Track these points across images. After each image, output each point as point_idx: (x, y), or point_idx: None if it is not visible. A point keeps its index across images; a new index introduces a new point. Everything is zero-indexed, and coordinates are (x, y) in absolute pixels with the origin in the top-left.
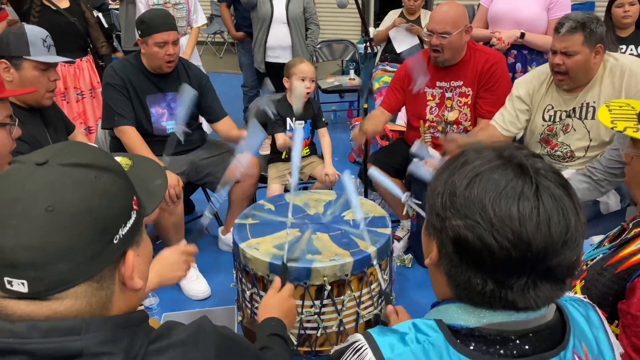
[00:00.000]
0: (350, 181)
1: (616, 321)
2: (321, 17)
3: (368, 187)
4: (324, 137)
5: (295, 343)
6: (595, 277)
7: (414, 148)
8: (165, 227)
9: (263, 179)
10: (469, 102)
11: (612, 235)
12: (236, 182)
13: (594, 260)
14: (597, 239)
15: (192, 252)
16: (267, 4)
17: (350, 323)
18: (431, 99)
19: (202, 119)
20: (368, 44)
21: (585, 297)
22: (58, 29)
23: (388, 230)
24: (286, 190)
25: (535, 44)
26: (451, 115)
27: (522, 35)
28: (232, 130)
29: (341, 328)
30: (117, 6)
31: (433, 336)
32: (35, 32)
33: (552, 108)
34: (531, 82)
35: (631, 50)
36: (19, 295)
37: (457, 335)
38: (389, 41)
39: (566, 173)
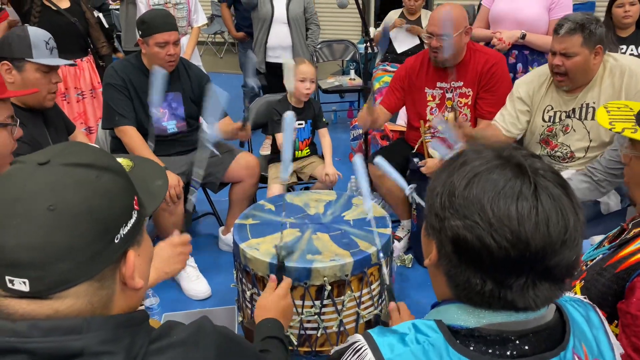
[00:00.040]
0: (361, 165)
1: (616, 321)
2: (321, 17)
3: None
4: (325, 137)
5: (296, 343)
6: (595, 277)
7: (435, 121)
8: (165, 227)
9: (263, 179)
10: (469, 103)
11: (612, 235)
12: (236, 182)
13: (594, 261)
14: (597, 239)
15: (186, 242)
16: (267, 4)
17: (350, 323)
18: (431, 99)
19: (201, 119)
20: (368, 44)
21: (585, 298)
22: (59, 30)
23: (388, 231)
24: (287, 190)
25: (536, 45)
26: (451, 116)
27: (523, 35)
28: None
29: (341, 328)
30: (117, 6)
31: (433, 337)
32: (38, 35)
33: (552, 109)
34: (531, 82)
35: (631, 50)
36: (20, 295)
37: (456, 335)
38: (389, 42)
39: (566, 173)
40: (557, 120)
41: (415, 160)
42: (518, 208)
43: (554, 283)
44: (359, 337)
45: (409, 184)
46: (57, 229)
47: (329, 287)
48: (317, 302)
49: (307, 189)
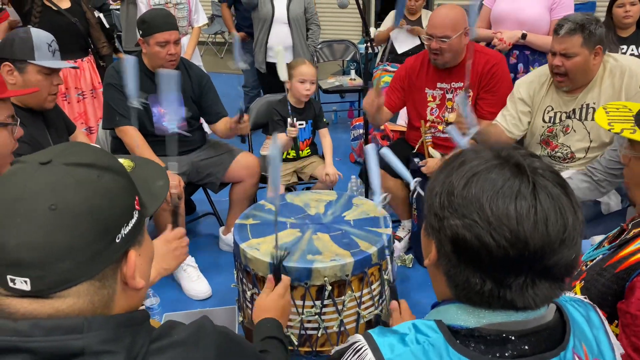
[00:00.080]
0: (373, 154)
1: (616, 321)
2: (322, 17)
3: (369, 187)
4: (325, 137)
5: (296, 343)
6: (595, 277)
7: (458, 100)
8: (166, 227)
9: (264, 179)
10: (470, 103)
11: (612, 235)
12: (237, 182)
13: (594, 261)
14: (598, 239)
15: (180, 236)
16: (268, 4)
17: (351, 323)
18: (432, 100)
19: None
20: (369, 44)
21: (585, 298)
22: (59, 30)
23: (389, 230)
24: (287, 190)
25: (537, 45)
26: (452, 116)
27: (524, 35)
28: (227, 129)
29: (342, 328)
30: (118, 7)
31: (433, 337)
32: (41, 37)
33: (552, 109)
34: (531, 83)
35: (632, 50)
36: (22, 294)
37: (456, 335)
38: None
39: (567, 173)
40: (557, 120)
41: (416, 160)
42: (517, 207)
43: (553, 282)
44: (359, 337)
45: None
46: (58, 229)
47: (329, 287)
48: (318, 302)
49: (308, 189)
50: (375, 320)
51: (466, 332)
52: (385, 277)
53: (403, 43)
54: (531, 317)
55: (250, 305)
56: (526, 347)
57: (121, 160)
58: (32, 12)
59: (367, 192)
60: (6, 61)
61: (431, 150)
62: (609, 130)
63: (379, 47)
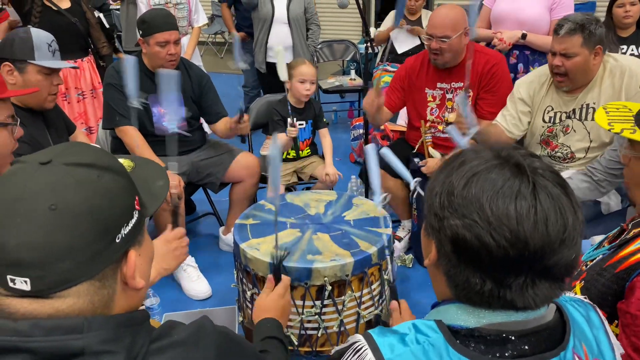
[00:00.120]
0: (373, 154)
1: (616, 321)
2: (322, 17)
3: (369, 187)
4: (325, 137)
5: (296, 343)
6: (595, 277)
7: (458, 100)
8: (166, 227)
9: (264, 179)
10: (470, 104)
11: (612, 236)
12: (237, 182)
13: (594, 261)
14: (598, 239)
15: (179, 236)
16: (268, 4)
17: (351, 323)
18: (432, 100)
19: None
20: (369, 44)
21: (585, 298)
22: (59, 30)
23: (389, 230)
24: (287, 190)
25: (537, 45)
26: (452, 117)
27: (524, 35)
28: (227, 129)
29: (342, 328)
30: (118, 7)
31: (433, 337)
32: (41, 37)
33: (552, 109)
34: (531, 83)
35: (632, 50)
36: (22, 294)
37: (456, 335)
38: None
39: (567, 172)
40: (557, 121)
41: (416, 160)
42: (517, 207)
43: (553, 282)
44: (359, 337)
45: (409, 185)
46: (58, 229)
47: (329, 287)
48: (318, 302)
49: (308, 189)
50: (375, 320)
51: (466, 332)
52: (386, 277)
53: (403, 43)
54: (531, 317)
55: (250, 305)
56: (526, 347)
57: (121, 160)
58: (32, 12)
59: (367, 192)
60: (6, 61)
61: (431, 150)
62: (609, 130)
63: (379, 47)
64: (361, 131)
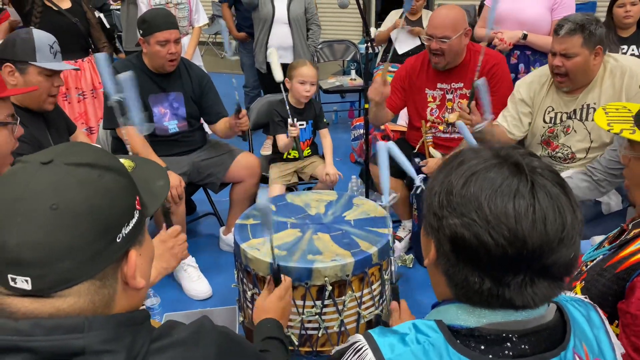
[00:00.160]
0: (384, 152)
1: (616, 321)
2: (322, 17)
3: (369, 187)
4: (326, 137)
5: (297, 343)
6: (595, 277)
7: (480, 84)
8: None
9: (264, 179)
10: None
11: (612, 236)
12: (237, 182)
13: (594, 261)
14: (598, 239)
15: (175, 234)
16: (268, 4)
17: (351, 323)
18: (432, 100)
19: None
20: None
21: (586, 298)
22: (60, 30)
23: (389, 231)
24: (288, 190)
25: (537, 45)
26: (452, 117)
27: (525, 36)
28: (227, 128)
29: (342, 328)
30: (118, 7)
31: (433, 337)
32: (42, 38)
33: (553, 110)
34: (532, 83)
35: (632, 50)
36: (23, 293)
37: (457, 335)
38: (390, 41)
39: (567, 172)
40: (558, 121)
41: (417, 160)
42: (515, 206)
43: (552, 281)
44: (359, 337)
45: (410, 185)
46: (59, 228)
47: (329, 287)
48: (318, 302)
49: (309, 189)
50: (376, 320)
51: (466, 332)
52: (386, 277)
53: (403, 43)
54: (531, 316)
55: (250, 305)
56: (526, 347)
57: (122, 160)
58: (33, 13)
59: (368, 192)
60: (7, 62)
61: (432, 150)
62: (608, 130)
63: (379, 47)
64: (361, 131)
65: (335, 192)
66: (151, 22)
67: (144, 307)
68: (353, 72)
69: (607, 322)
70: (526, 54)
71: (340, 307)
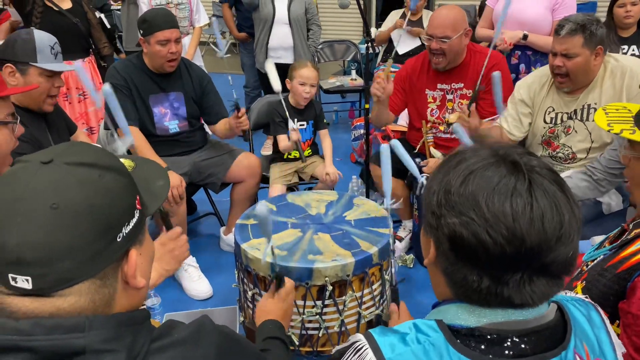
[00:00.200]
0: (387, 155)
1: (617, 321)
2: (323, 17)
3: (369, 187)
4: (325, 138)
5: (297, 343)
6: (596, 277)
7: (495, 77)
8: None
9: (265, 179)
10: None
11: (613, 236)
12: (238, 182)
13: (595, 261)
14: (598, 239)
15: (175, 237)
16: (269, 4)
17: (351, 323)
18: (432, 101)
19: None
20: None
21: (586, 297)
22: (60, 30)
23: (390, 231)
24: (289, 190)
25: (538, 45)
26: (452, 117)
27: (525, 36)
28: (227, 129)
29: (343, 328)
30: (119, 7)
31: (433, 336)
32: (43, 39)
33: (553, 110)
34: (532, 84)
35: (633, 50)
36: (23, 292)
37: (457, 335)
38: (390, 41)
39: (567, 172)
40: (558, 121)
41: (417, 160)
42: (513, 204)
43: (551, 279)
44: (360, 336)
45: (410, 185)
46: (59, 228)
47: (330, 287)
48: (319, 302)
49: (310, 189)
50: (376, 320)
51: (467, 332)
52: (387, 277)
53: (404, 44)
54: (531, 316)
55: (251, 305)
56: (527, 347)
57: (122, 160)
58: (34, 13)
59: (368, 192)
60: (8, 62)
61: (432, 151)
62: (609, 130)
63: (380, 47)
64: (362, 131)
65: (335, 192)
66: (151, 21)
67: (144, 306)
68: (353, 72)
69: (608, 322)
70: (527, 55)
71: (340, 307)
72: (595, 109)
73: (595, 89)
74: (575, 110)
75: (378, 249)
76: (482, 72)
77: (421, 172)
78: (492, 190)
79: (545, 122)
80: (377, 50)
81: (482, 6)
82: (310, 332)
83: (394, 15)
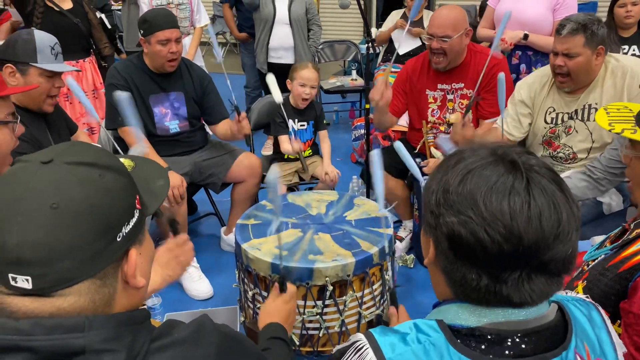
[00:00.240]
0: (378, 161)
1: (618, 321)
2: (323, 17)
3: (370, 187)
4: (324, 140)
5: (298, 343)
6: (598, 277)
7: (500, 78)
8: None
9: (265, 179)
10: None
11: (614, 235)
12: (238, 182)
13: (596, 261)
14: (598, 239)
15: (182, 243)
16: (269, 5)
17: (352, 323)
18: (433, 101)
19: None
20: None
21: (587, 297)
22: (61, 30)
23: (390, 231)
24: (289, 190)
25: (538, 45)
26: (453, 117)
27: (526, 36)
28: (228, 131)
29: (343, 328)
30: (119, 7)
31: (434, 336)
32: (44, 39)
33: (554, 110)
34: (533, 84)
35: (634, 50)
36: (23, 292)
37: (457, 335)
38: (391, 41)
39: (566, 172)
40: (559, 121)
41: (417, 160)
42: (510, 203)
43: (549, 277)
44: (360, 336)
45: (410, 185)
46: (60, 228)
47: (330, 287)
48: (319, 302)
49: (310, 189)
50: (377, 320)
51: (467, 332)
52: (387, 277)
53: (404, 44)
54: (531, 316)
55: (252, 305)
56: (527, 347)
57: (122, 160)
58: (35, 13)
59: (369, 193)
60: (8, 63)
61: (433, 151)
62: (610, 130)
63: (380, 48)
64: (362, 131)
65: (336, 192)
66: (152, 21)
67: (144, 306)
68: (354, 72)
69: (608, 322)
70: (528, 55)
71: (341, 307)
72: (596, 109)
73: (596, 89)
74: (576, 110)
75: (378, 249)
76: (483, 72)
77: (422, 173)
78: (490, 189)
79: (546, 122)
80: (377, 51)
81: (483, 6)
82: (310, 332)
83: (395, 15)
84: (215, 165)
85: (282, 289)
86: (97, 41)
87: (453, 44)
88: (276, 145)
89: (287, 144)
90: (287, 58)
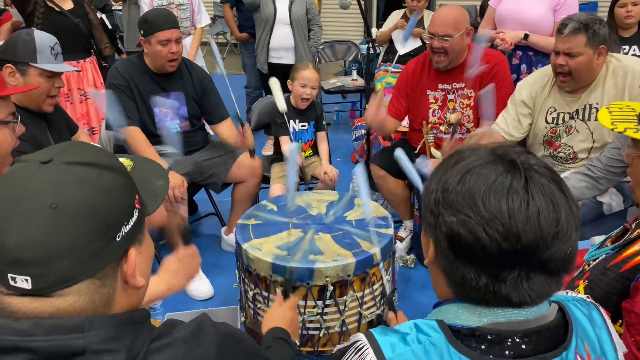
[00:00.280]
0: (361, 175)
1: (620, 320)
2: (324, 17)
3: (370, 187)
4: (322, 142)
5: (298, 343)
6: (599, 277)
7: (489, 87)
8: (169, 228)
9: (266, 180)
10: (472, 104)
11: (615, 235)
12: (239, 182)
13: (597, 261)
14: (598, 239)
15: (191, 254)
16: (270, 5)
17: (352, 323)
18: (433, 101)
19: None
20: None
21: (588, 297)
22: (62, 31)
23: (390, 231)
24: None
25: (539, 45)
26: (453, 117)
27: (526, 36)
28: (230, 138)
29: (343, 328)
30: (120, 7)
31: (434, 336)
32: (43, 40)
33: (555, 110)
34: (533, 84)
35: (634, 50)
36: (23, 292)
37: (458, 335)
38: (391, 42)
39: (565, 173)
40: (560, 121)
41: (418, 160)
42: (509, 202)
43: (549, 276)
44: (360, 336)
45: (411, 185)
46: (59, 227)
47: (331, 288)
48: (320, 302)
49: (310, 189)
50: (377, 320)
51: (467, 332)
52: (387, 277)
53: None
54: (532, 316)
55: (252, 306)
56: (527, 347)
57: (121, 160)
58: (35, 13)
59: None
60: (8, 63)
61: (433, 151)
62: (612, 129)
63: (381, 48)
64: (363, 131)
65: (336, 193)
66: (152, 21)
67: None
68: (354, 72)
69: (609, 322)
70: (528, 55)
71: (341, 307)
72: (597, 109)
73: (597, 88)
74: (577, 110)
75: (379, 249)
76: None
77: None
78: (488, 188)
79: (547, 122)
80: (378, 51)
81: (483, 6)
82: (311, 332)
83: (395, 16)
84: (216, 166)
85: (286, 296)
86: (98, 41)
87: (454, 43)
88: (277, 145)
89: (288, 145)
90: (288, 58)
